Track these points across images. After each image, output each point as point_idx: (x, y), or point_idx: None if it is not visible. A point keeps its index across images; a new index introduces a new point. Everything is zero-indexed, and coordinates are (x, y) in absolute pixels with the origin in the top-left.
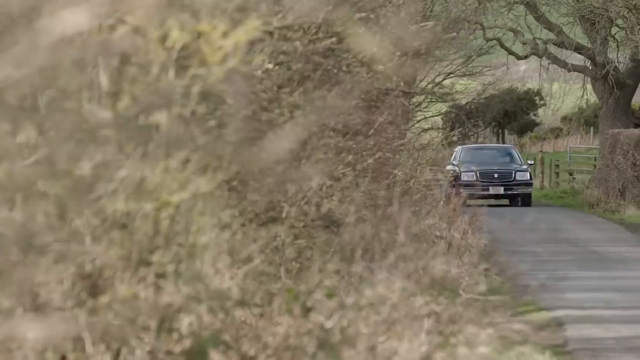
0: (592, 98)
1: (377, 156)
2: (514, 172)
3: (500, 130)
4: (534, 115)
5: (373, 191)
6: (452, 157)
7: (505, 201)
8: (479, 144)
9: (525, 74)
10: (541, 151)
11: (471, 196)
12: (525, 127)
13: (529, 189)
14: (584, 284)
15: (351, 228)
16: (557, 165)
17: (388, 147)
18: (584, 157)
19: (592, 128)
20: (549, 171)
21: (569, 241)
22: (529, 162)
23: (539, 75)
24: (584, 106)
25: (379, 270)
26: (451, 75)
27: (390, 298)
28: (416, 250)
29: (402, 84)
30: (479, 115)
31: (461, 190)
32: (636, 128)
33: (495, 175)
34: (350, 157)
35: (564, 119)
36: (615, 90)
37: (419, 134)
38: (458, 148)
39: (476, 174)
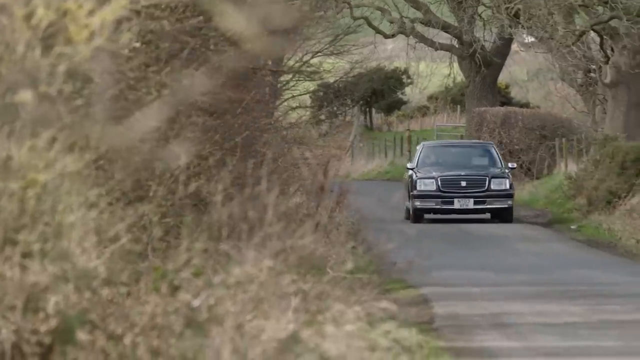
0: (459, 77)
1: (244, 135)
2: (487, 179)
3: (368, 109)
4: (402, 93)
5: (241, 170)
6: (413, 158)
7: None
8: (448, 140)
9: (392, 52)
10: (408, 129)
11: (429, 211)
12: (393, 106)
13: (508, 202)
14: (451, 261)
15: (219, 207)
16: None
17: (256, 126)
18: (450, 135)
19: (458, 106)
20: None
21: (437, 219)
22: (511, 165)
23: (406, 54)
24: (451, 85)
25: (246, 249)
26: (319, 54)
27: (258, 277)
28: (284, 229)
29: (269, 62)
30: (347, 94)
31: (417, 203)
32: (502, 106)
33: (463, 184)
34: (218, 135)
35: (431, 97)
36: (482, 68)
37: (287, 113)
38: (420, 145)
39: (437, 182)
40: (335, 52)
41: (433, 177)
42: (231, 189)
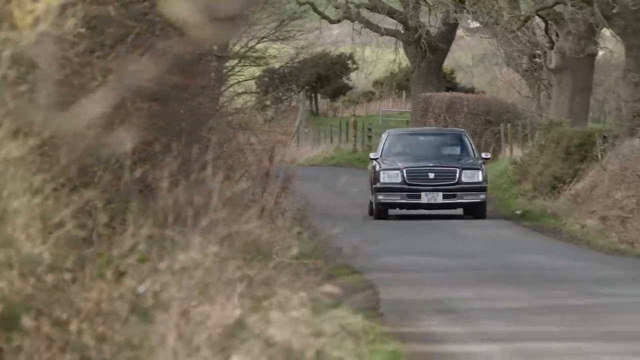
0: (404, 62)
1: (190, 120)
2: (458, 170)
3: (313, 94)
4: (347, 79)
5: (186, 156)
6: (377, 146)
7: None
8: (416, 127)
9: (338, 38)
10: (354, 115)
11: (393, 206)
12: (338, 91)
13: (481, 196)
14: (397, 247)
15: (164, 193)
16: (370, 129)
17: (201, 112)
18: (396, 121)
19: (404, 92)
20: (361, 135)
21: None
22: (484, 155)
23: (352, 39)
24: (396, 70)
25: (192, 234)
26: (264, 39)
27: (204, 262)
28: (229, 215)
29: (215, 48)
30: (292, 80)
31: (380, 197)
32: (448, 91)
33: (431, 176)
34: (163, 121)
35: (377, 82)
36: (428, 54)
37: (232, 98)
38: (384, 133)
39: (402, 174)
40: (280, 37)
41: (398, 169)
42: (177, 174)
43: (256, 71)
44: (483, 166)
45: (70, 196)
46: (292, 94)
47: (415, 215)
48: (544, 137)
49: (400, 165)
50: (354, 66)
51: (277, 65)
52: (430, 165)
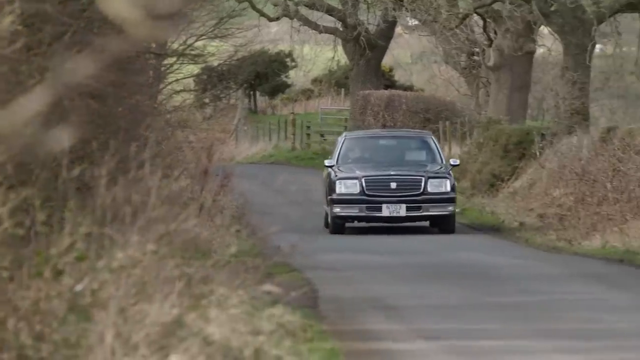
0: (343, 59)
1: (128, 118)
2: (424, 179)
3: (252, 92)
4: (286, 77)
5: (124, 154)
6: (332, 152)
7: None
8: (377, 130)
9: (276, 35)
10: (293, 113)
11: (351, 219)
12: (277, 89)
13: (449, 208)
14: (335, 245)
15: (102, 191)
16: (309, 127)
17: (139, 109)
18: (335, 119)
19: (343, 89)
20: (300, 132)
21: (320, 203)
22: (453, 161)
23: (290, 37)
24: (335, 68)
25: (130, 233)
26: (203, 37)
27: (142, 261)
28: (168, 213)
29: (153, 45)
30: (231, 77)
31: (337, 210)
32: (386, 89)
33: (393, 186)
34: (101, 119)
35: (315, 80)
36: (366, 51)
37: (170, 96)
38: (341, 136)
39: (361, 183)
40: (219, 35)
41: (356, 177)
42: (115, 172)
43: (195, 69)
44: (451, 174)
45: (7, 194)
46: (231, 91)
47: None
48: (482, 135)
49: (358, 173)
50: (293, 64)
51: (215, 63)
52: (392, 173)
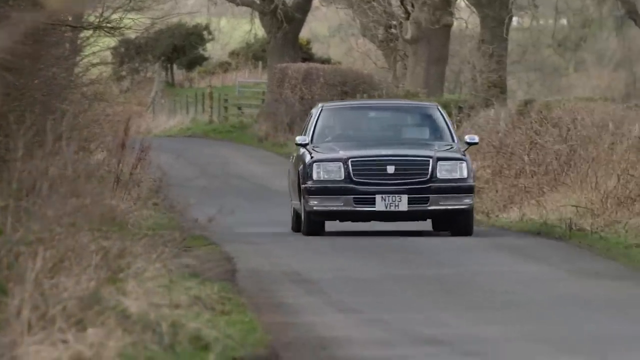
0: (261, 32)
1: (44, 91)
2: (431, 161)
3: (169, 65)
4: (203, 49)
5: (41, 127)
6: (306, 127)
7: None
8: (366, 100)
9: (193, 8)
10: (210, 86)
11: (333, 216)
12: (194, 62)
13: (467, 200)
14: (253, 218)
15: (19, 164)
16: (226, 100)
17: (56, 82)
18: (252, 92)
19: (260, 63)
20: (217, 105)
21: (239, 176)
22: (469, 138)
23: (207, 9)
24: (252, 41)
25: (47, 206)
26: (120, 9)
27: (58, 234)
28: (85, 186)
29: (69, 18)
30: (148, 50)
31: (313, 203)
32: (304, 62)
33: (390, 169)
34: (17, 92)
35: (233, 53)
36: (284, 24)
37: (87, 69)
38: (316, 108)
39: (346, 167)
40: (136, 7)
41: (340, 159)
42: (31, 145)
43: (112, 42)
44: (467, 155)
45: None
46: (148, 64)
47: (268, 186)
48: None
49: (342, 154)
50: (210, 37)
51: (133, 36)
52: (389, 153)
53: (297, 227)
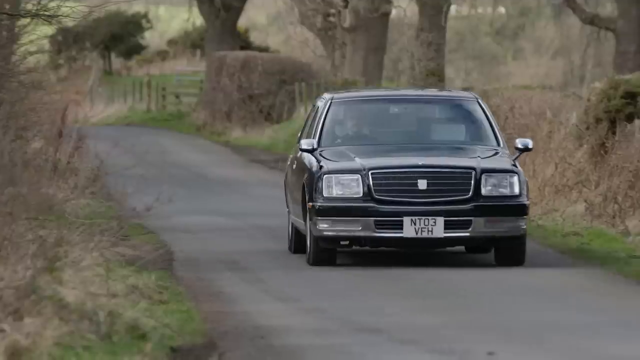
0: (199, 21)
1: None
2: (474, 173)
3: (107, 53)
4: (141, 38)
5: None
6: (309, 124)
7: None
8: (383, 88)
9: None
10: (148, 74)
11: (349, 241)
12: (133, 50)
13: (520, 224)
14: (190, 207)
15: None
16: (164, 88)
17: None
18: (190, 80)
19: (198, 51)
20: (155, 94)
21: (176, 164)
22: (521, 142)
23: None
24: (191, 29)
25: None
26: None
27: None
28: (22, 174)
29: (7, 6)
30: (86, 38)
31: (323, 226)
32: (242, 50)
33: (422, 185)
34: None
35: (171, 41)
36: (222, 12)
37: (25, 57)
38: (321, 99)
39: (365, 180)
40: None
41: (357, 170)
42: None
43: (49, 30)
44: (518, 165)
45: None
46: (86, 53)
47: (206, 174)
48: None
49: (360, 163)
50: (148, 25)
51: (70, 24)
52: (420, 163)
53: (297, 247)
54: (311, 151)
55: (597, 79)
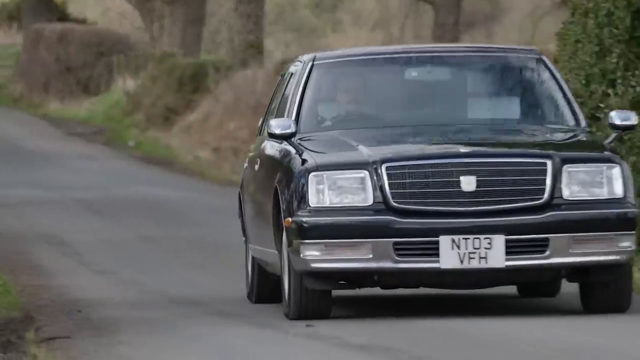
0: None
1: None
2: (550, 164)
3: None
4: None
5: None
6: (277, 100)
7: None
8: (399, 45)
9: None
10: None
11: (352, 284)
12: None
13: (625, 245)
14: (8, 179)
15: None
16: None
17: None
18: (7, 53)
19: (15, 23)
20: None
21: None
22: (620, 117)
23: None
24: (7, 0)
25: None
26: None
27: None
28: None
29: None
30: None
31: (311, 255)
32: (59, 22)
33: (468, 185)
34: None
35: None
36: None
37: None
38: (299, 63)
39: (376, 179)
40: None
41: (363, 164)
42: None
43: None
44: (615, 149)
45: None
46: None
47: (21, 145)
48: (156, 68)
49: (366, 153)
50: None
51: None
52: (463, 152)
53: (261, 293)
54: (287, 137)
55: None
